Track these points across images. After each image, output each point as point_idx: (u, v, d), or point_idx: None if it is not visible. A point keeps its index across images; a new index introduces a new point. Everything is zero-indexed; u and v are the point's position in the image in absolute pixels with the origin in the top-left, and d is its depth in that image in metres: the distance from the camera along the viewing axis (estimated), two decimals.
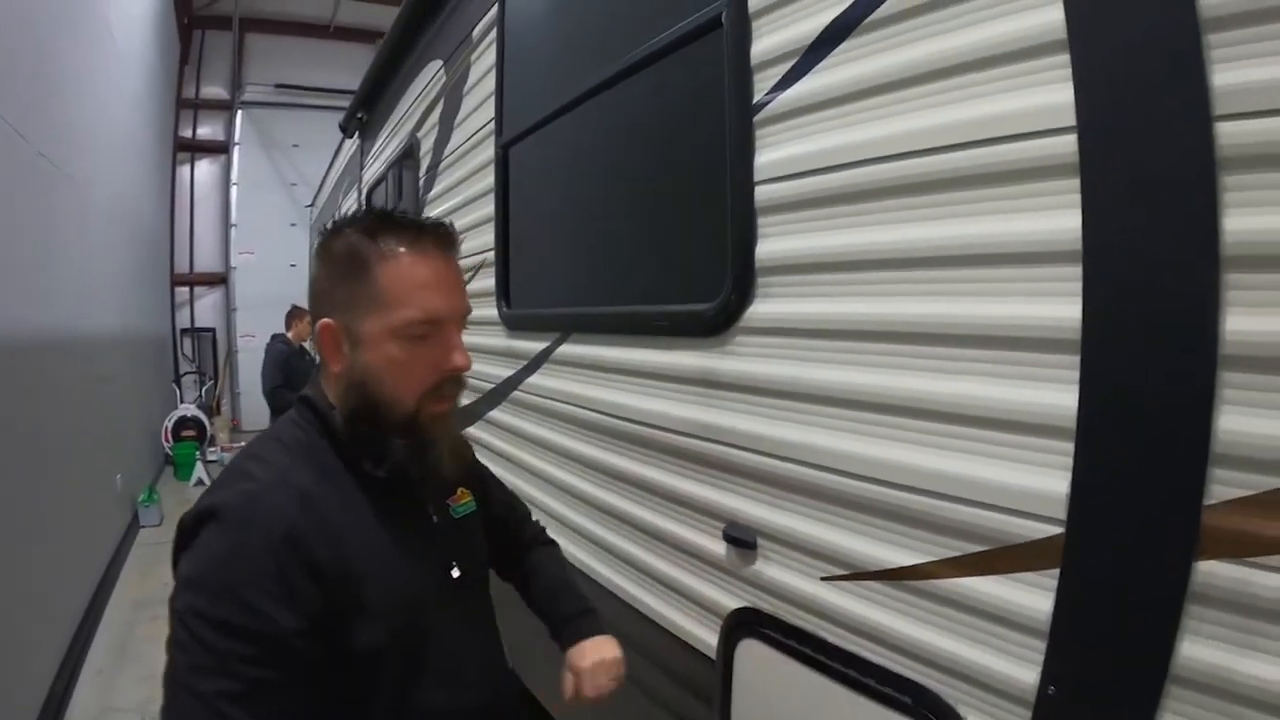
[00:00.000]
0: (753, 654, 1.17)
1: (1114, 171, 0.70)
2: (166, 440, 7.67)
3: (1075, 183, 0.73)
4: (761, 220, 1.12)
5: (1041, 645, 0.76)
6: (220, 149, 10.19)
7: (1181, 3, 0.64)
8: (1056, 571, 0.74)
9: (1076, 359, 0.74)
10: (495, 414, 2.23)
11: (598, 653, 1.08)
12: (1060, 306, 0.75)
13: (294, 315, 5.30)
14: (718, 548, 1.23)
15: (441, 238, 0.92)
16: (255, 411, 8.48)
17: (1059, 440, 0.75)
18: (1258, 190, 0.62)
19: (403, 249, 0.89)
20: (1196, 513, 0.65)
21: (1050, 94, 0.75)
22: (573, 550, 1.74)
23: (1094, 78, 0.71)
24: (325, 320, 0.91)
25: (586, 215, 1.78)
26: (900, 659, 0.93)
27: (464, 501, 1.07)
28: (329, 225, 0.95)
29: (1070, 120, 0.73)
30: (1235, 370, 0.64)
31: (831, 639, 1.02)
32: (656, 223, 1.50)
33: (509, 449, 2.13)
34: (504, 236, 2.13)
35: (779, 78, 1.07)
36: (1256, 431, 0.62)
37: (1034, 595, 0.77)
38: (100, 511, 4.61)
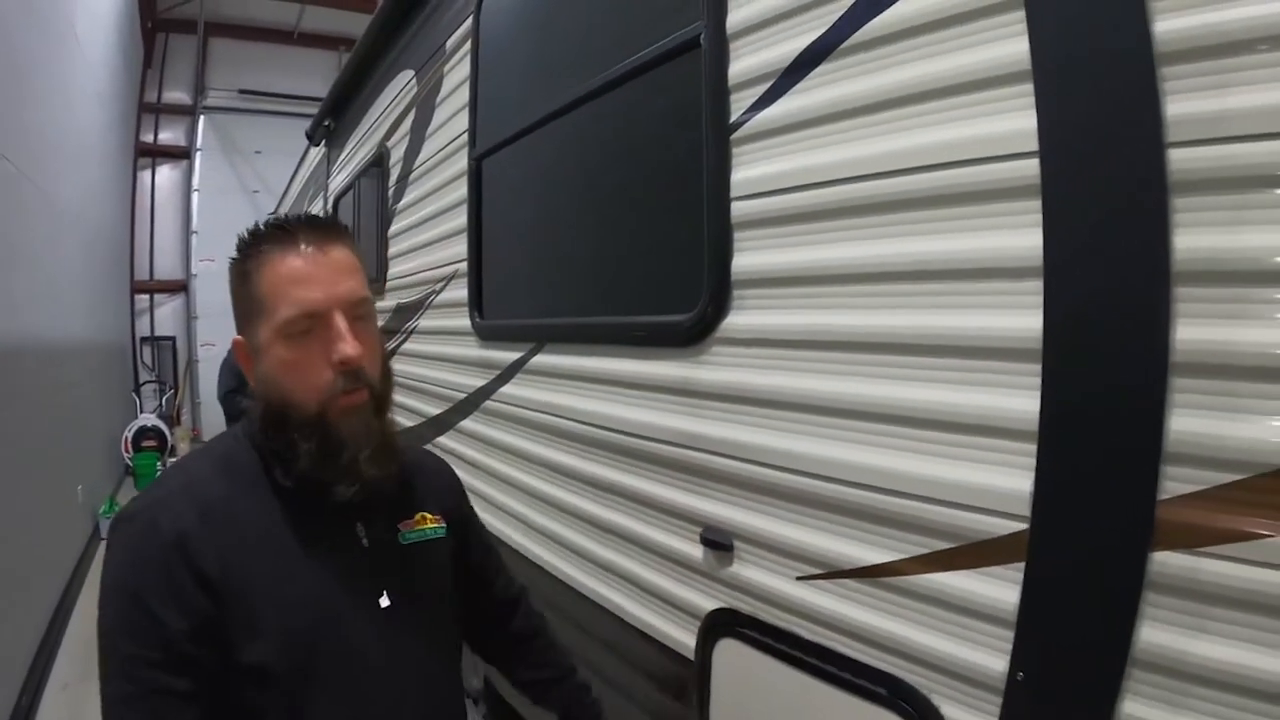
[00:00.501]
0: (731, 653, 1.20)
1: (1073, 194, 0.75)
2: (126, 450, 7.51)
3: (1037, 204, 0.78)
4: (738, 235, 1.16)
5: (1009, 634, 0.80)
6: (182, 154, 10.00)
7: (1138, 39, 0.70)
8: (1022, 565, 0.79)
9: (1038, 367, 0.78)
10: (467, 423, 2.25)
11: None
12: (1022, 318, 0.80)
13: None
14: (695, 551, 1.26)
15: (314, 230, 0.90)
16: (216, 422, 8.33)
17: (1022, 442, 0.79)
18: (1205, 211, 0.67)
19: (273, 250, 0.88)
20: (1151, 508, 0.70)
21: (1014, 121, 0.80)
22: (542, 554, 1.77)
23: (1055, 106, 0.76)
24: (236, 338, 0.93)
25: (562, 228, 1.80)
26: (875, 653, 0.97)
27: (421, 527, 1.01)
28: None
29: (1033, 145, 0.78)
30: (1185, 376, 0.69)
31: (808, 636, 1.06)
32: (632, 236, 1.53)
33: (480, 457, 2.14)
34: (476, 248, 2.14)
35: (756, 98, 1.11)
36: (1205, 432, 0.68)
37: (1001, 588, 0.81)
38: (62, 523, 4.51)
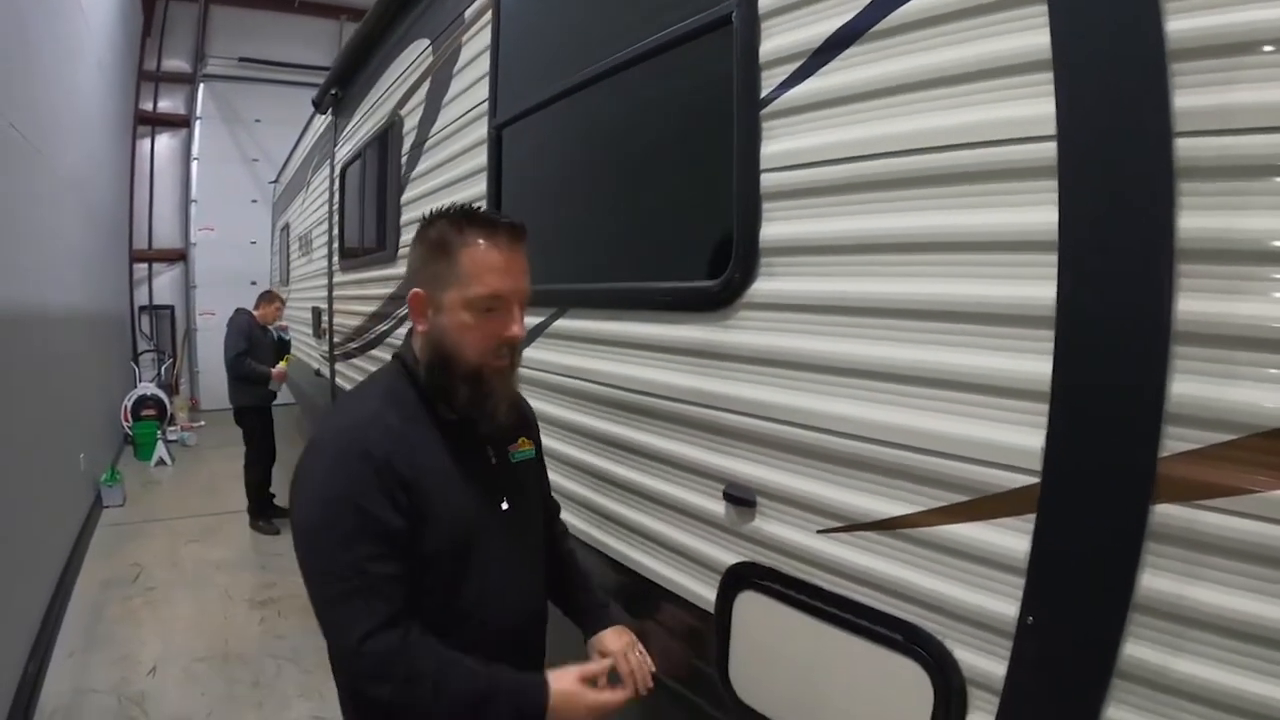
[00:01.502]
0: (751, 605, 1.27)
1: (1087, 175, 0.81)
2: (126, 419, 7.54)
3: (1054, 183, 0.84)
4: (766, 205, 1.21)
5: (1020, 581, 0.87)
6: (181, 123, 9.95)
7: (1151, 35, 0.75)
8: (1033, 516, 0.86)
9: (1051, 333, 0.84)
10: None
11: (621, 638, 1.36)
12: (1037, 288, 0.86)
13: (265, 299, 5.34)
14: (717, 507, 1.32)
15: (514, 232, 1.16)
16: (215, 390, 8.38)
17: (1035, 402, 0.86)
18: (1207, 196, 0.74)
19: (480, 239, 1.12)
20: (1153, 464, 0.76)
21: (1034, 106, 0.85)
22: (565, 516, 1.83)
23: (1073, 94, 0.82)
24: (416, 290, 1.17)
25: (586, 197, 1.85)
26: (892, 601, 1.04)
27: (524, 449, 1.33)
28: (425, 216, 1.19)
29: (1051, 130, 0.84)
30: (1185, 345, 0.75)
31: (828, 586, 1.13)
32: (658, 205, 1.58)
33: None
34: None
35: (786, 76, 1.16)
36: (1202, 395, 0.74)
37: (1013, 537, 0.88)
38: (65, 491, 4.55)
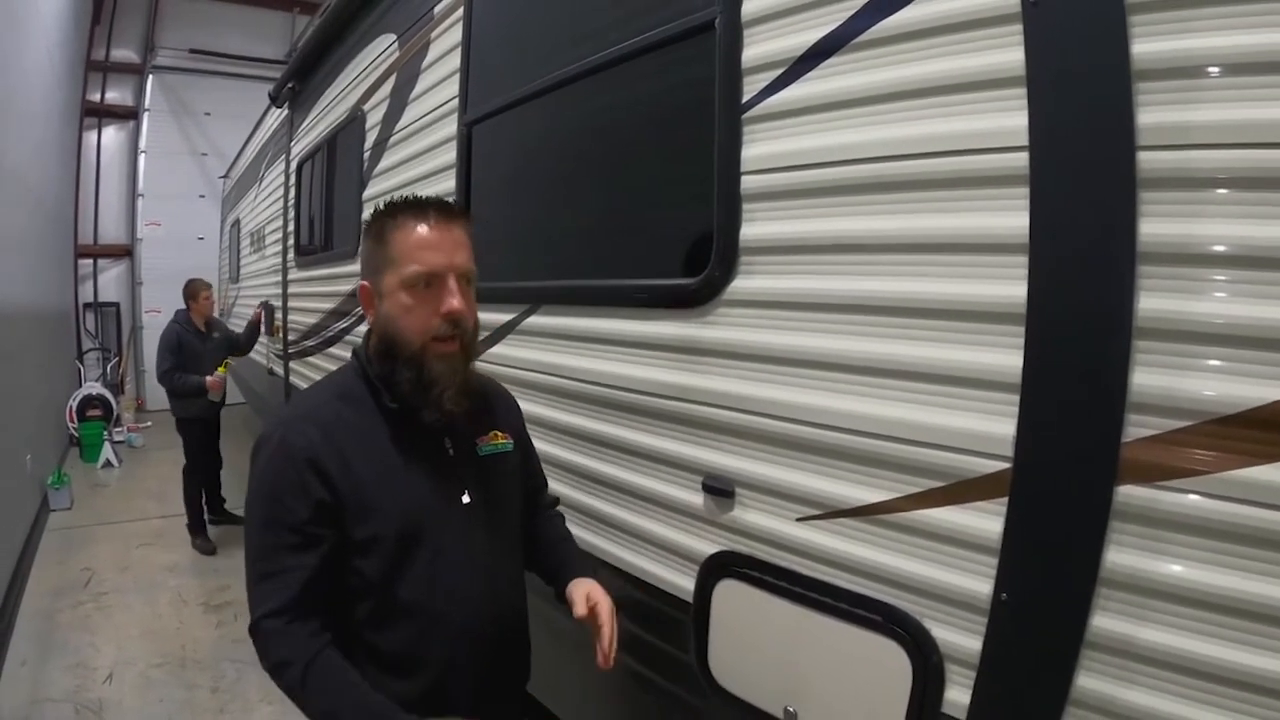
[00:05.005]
0: (730, 593, 1.31)
1: (1056, 184, 0.87)
2: (71, 420, 7.31)
3: (1025, 190, 0.90)
4: (746, 206, 1.25)
5: (994, 561, 0.93)
6: (129, 114, 9.65)
7: (1118, 56, 0.82)
8: (1005, 499, 0.92)
9: (1021, 329, 0.90)
10: None
11: (594, 592, 1.26)
12: (1009, 287, 0.92)
13: (191, 294, 4.72)
14: (695, 499, 1.36)
15: (444, 209, 1.16)
16: (161, 391, 8.14)
17: (1006, 393, 0.92)
18: (1167, 204, 0.81)
19: (410, 219, 1.14)
20: (1116, 448, 0.83)
21: (1008, 119, 0.91)
22: None
23: (1045, 109, 0.88)
24: (362, 282, 1.20)
25: (561, 195, 1.87)
26: (871, 584, 1.09)
27: (494, 442, 1.29)
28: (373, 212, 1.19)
29: (1024, 141, 0.90)
30: (1146, 339, 0.82)
31: (807, 572, 1.17)
32: (635, 204, 1.61)
33: None
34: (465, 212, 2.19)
35: (768, 82, 1.20)
36: (1162, 385, 0.81)
37: (986, 520, 0.94)
38: (10, 495, 4.39)
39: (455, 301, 1.12)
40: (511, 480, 1.33)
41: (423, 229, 1.13)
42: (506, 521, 1.29)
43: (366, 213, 3.07)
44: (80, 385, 7.75)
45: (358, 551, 1.11)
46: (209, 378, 4.52)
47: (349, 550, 1.11)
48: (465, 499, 1.20)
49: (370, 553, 1.11)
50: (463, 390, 1.16)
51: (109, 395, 7.74)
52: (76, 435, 7.27)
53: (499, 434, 1.31)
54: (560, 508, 1.54)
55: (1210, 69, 0.78)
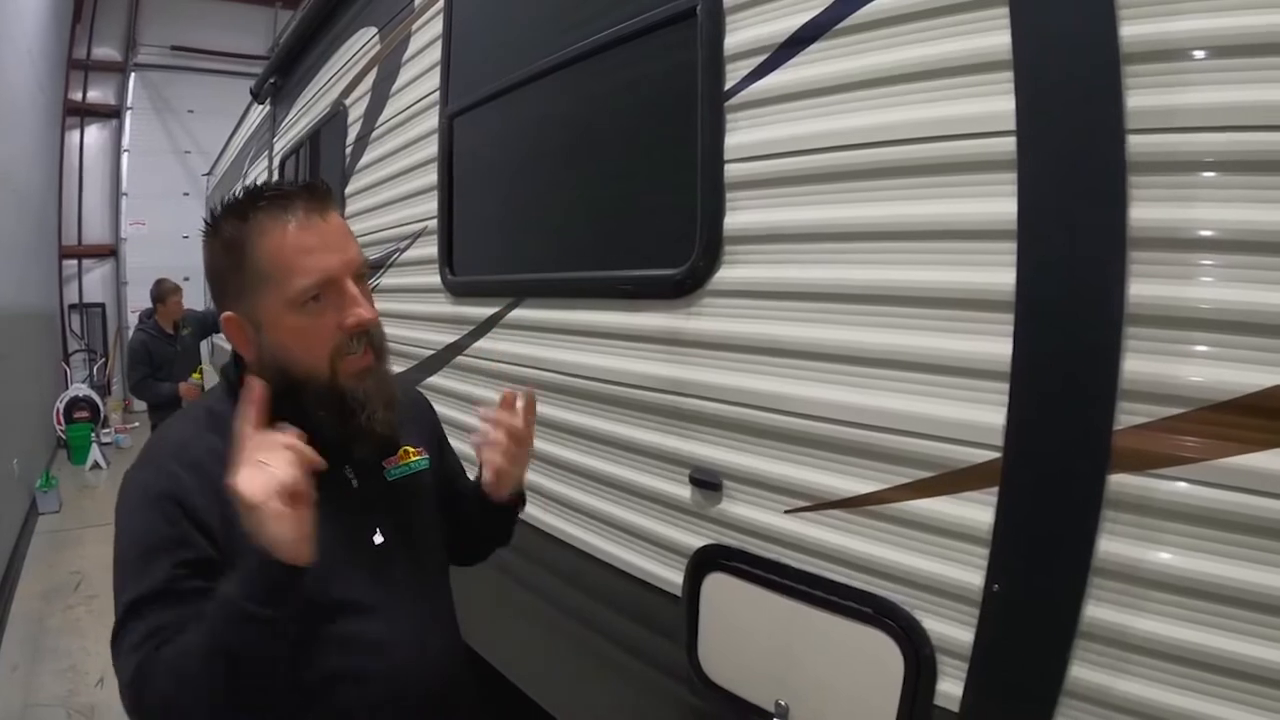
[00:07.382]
0: (719, 586, 1.29)
1: (1044, 168, 0.86)
2: (58, 422, 7.27)
3: (1013, 175, 0.88)
4: (730, 195, 1.23)
5: (985, 551, 0.91)
6: (111, 113, 9.59)
7: (1106, 38, 0.80)
8: (995, 489, 0.90)
9: (1011, 316, 0.89)
10: (437, 380, 2.27)
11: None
12: (997, 274, 0.90)
13: (158, 295, 4.56)
14: (683, 491, 1.34)
15: (312, 197, 0.91)
16: None
17: (996, 381, 0.90)
18: (1157, 189, 0.79)
19: (275, 221, 0.89)
20: (1108, 436, 0.81)
21: (995, 103, 0.90)
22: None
23: (1032, 92, 0.86)
24: (226, 314, 0.93)
25: (544, 187, 1.85)
26: (862, 576, 1.07)
27: (405, 462, 1.06)
28: (208, 216, 0.94)
29: (1011, 125, 0.88)
30: (1136, 325, 0.81)
31: (797, 564, 1.16)
32: (618, 194, 1.59)
33: (452, 414, 2.18)
34: (448, 205, 2.16)
35: (751, 69, 1.18)
36: (1153, 372, 0.80)
37: (977, 510, 0.92)
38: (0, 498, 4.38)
39: (364, 311, 0.91)
40: (430, 501, 1.10)
41: (297, 231, 0.88)
42: (430, 554, 1.08)
43: (350, 208, 3.06)
44: (67, 387, 7.70)
45: None
46: (183, 384, 4.35)
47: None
48: (377, 539, 0.98)
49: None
50: (390, 405, 0.96)
51: (96, 397, 7.70)
52: (64, 437, 7.23)
53: (409, 450, 1.07)
54: (545, 501, 1.44)
55: (1198, 52, 0.77)
